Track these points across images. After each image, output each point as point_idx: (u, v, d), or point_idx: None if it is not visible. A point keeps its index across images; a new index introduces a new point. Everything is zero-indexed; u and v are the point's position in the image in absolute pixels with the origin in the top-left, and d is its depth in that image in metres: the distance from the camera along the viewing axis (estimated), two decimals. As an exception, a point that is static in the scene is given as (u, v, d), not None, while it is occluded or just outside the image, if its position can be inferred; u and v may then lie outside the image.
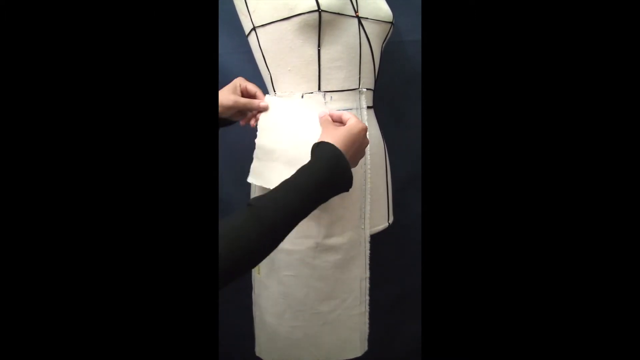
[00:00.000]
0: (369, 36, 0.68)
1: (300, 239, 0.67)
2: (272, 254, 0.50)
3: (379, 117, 0.77)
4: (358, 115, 0.69)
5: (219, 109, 0.65)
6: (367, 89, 0.70)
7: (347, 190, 0.55)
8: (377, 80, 0.75)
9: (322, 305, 0.70)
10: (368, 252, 0.72)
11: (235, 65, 0.93)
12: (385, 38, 0.74)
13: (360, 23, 0.66)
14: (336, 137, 0.55)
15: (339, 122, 0.61)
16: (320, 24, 0.61)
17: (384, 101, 0.82)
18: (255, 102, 0.67)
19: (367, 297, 0.74)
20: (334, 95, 0.66)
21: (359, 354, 0.75)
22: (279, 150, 0.65)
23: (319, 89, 0.66)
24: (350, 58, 0.66)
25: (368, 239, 0.72)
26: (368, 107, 0.71)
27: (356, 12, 0.66)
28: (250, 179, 0.70)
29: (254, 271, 0.76)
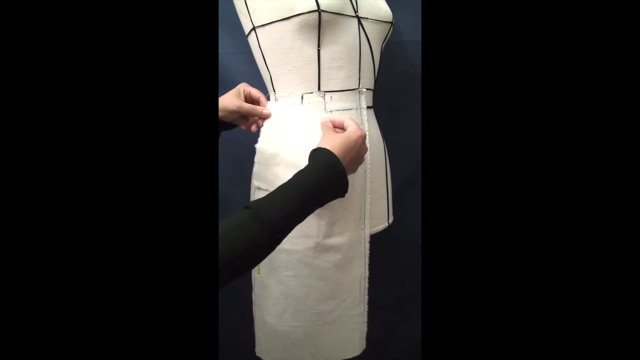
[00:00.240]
0: (368, 36, 0.68)
1: (300, 239, 0.67)
2: (272, 254, 0.50)
3: (379, 117, 0.77)
4: (358, 115, 0.69)
5: (223, 112, 0.67)
6: (367, 89, 0.70)
7: (343, 196, 0.57)
8: (377, 80, 0.75)
9: (322, 305, 0.70)
10: (368, 252, 0.72)
11: (235, 65, 0.93)
12: (385, 38, 0.74)
13: (360, 23, 0.66)
14: (334, 143, 0.56)
15: (340, 128, 0.62)
16: (320, 24, 0.61)
17: (384, 101, 0.82)
18: (258, 109, 0.68)
19: (367, 297, 0.74)
20: (334, 95, 0.66)
21: (358, 352, 0.75)
22: (282, 155, 0.66)
23: (319, 89, 0.66)
24: (350, 58, 0.66)
25: (368, 239, 0.72)
26: (368, 107, 0.71)
27: (356, 12, 0.66)
28: (255, 183, 0.71)
29: (254, 271, 0.76)
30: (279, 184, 0.52)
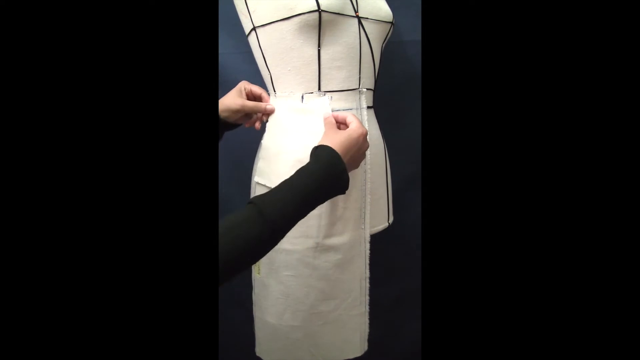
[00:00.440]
0: (369, 36, 0.68)
1: (300, 239, 0.67)
2: (272, 254, 0.50)
3: (379, 117, 0.77)
4: (358, 116, 0.69)
5: (227, 113, 0.67)
6: (367, 89, 0.70)
7: (344, 193, 0.57)
8: (377, 80, 0.75)
9: (322, 305, 0.70)
10: (368, 252, 0.72)
11: (235, 65, 0.93)
12: (385, 38, 0.74)
13: (360, 23, 0.66)
14: (335, 141, 0.56)
15: (343, 123, 0.63)
16: (320, 24, 0.61)
17: (384, 101, 0.82)
18: (262, 105, 0.69)
19: (367, 297, 0.74)
20: (334, 95, 0.66)
21: (358, 353, 0.75)
22: (285, 152, 0.66)
23: (319, 89, 0.66)
24: (350, 58, 0.66)
25: (368, 239, 0.72)
26: (368, 107, 0.71)
27: (356, 12, 0.66)
28: (256, 179, 0.71)
29: (254, 271, 0.76)
30: (282, 180, 0.52)
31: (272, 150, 0.68)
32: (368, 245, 0.72)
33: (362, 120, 0.69)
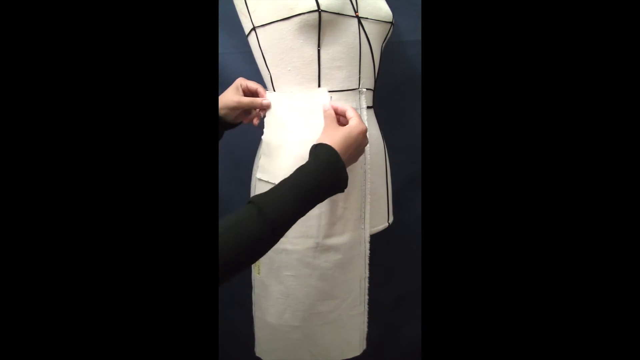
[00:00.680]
0: (368, 36, 0.68)
1: (300, 239, 0.67)
2: (272, 254, 0.50)
3: (379, 117, 0.77)
4: (358, 115, 0.69)
5: (225, 110, 0.67)
6: (367, 89, 0.70)
7: (342, 191, 0.57)
8: (377, 80, 0.75)
9: (322, 305, 0.70)
10: (368, 252, 0.72)
11: (235, 65, 0.93)
12: (385, 38, 0.74)
13: (360, 23, 0.66)
14: (334, 139, 0.56)
15: (343, 116, 0.62)
16: (320, 24, 0.61)
17: (384, 101, 0.82)
18: (258, 100, 0.68)
19: (367, 297, 0.74)
20: (334, 95, 0.66)
21: (357, 353, 0.75)
22: (286, 147, 0.66)
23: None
24: (350, 58, 0.66)
25: (368, 239, 0.72)
26: (368, 107, 0.71)
27: (356, 12, 0.66)
28: (259, 175, 0.71)
29: (254, 271, 0.76)
30: (284, 176, 0.52)
31: (273, 145, 0.68)
32: (368, 245, 0.72)
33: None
